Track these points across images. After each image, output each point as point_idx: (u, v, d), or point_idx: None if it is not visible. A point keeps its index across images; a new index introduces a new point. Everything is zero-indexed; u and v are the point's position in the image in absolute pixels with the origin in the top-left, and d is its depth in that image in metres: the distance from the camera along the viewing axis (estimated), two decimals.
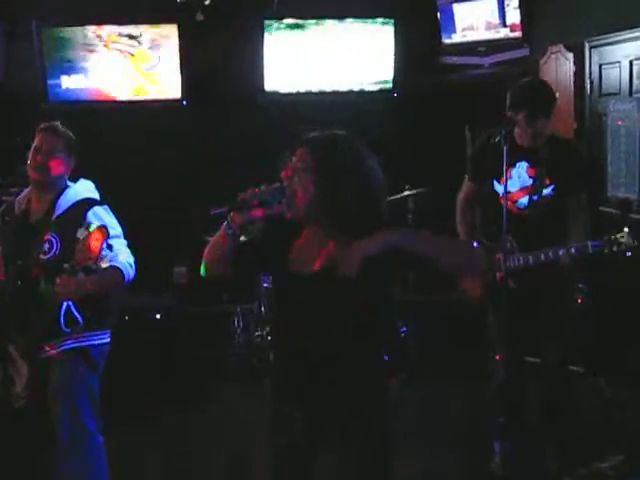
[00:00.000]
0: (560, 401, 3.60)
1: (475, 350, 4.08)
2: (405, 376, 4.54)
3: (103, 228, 2.69)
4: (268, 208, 2.12)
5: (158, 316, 5.01)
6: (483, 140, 3.63)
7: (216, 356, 5.06)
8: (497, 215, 3.37)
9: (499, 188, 3.48)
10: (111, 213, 3.07)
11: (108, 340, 3.08)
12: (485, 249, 3.56)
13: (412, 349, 4.94)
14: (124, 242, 3.05)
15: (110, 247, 2.81)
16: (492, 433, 3.65)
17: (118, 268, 2.91)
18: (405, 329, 5.00)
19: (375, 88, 5.94)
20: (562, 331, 3.55)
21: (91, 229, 2.69)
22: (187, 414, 4.32)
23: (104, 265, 2.88)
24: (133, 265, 2.97)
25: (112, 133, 5.71)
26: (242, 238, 2.23)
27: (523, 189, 3.48)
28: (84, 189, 3.13)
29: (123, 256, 2.96)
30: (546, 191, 3.46)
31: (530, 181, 3.47)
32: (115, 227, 3.03)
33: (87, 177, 3.20)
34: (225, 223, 2.18)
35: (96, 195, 3.15)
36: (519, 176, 3.48)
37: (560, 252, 3.28)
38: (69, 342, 2.95)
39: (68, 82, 5.63)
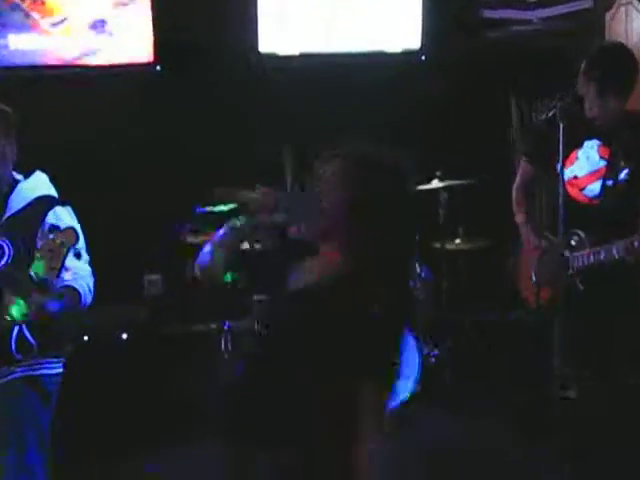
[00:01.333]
0: (632, 430, 3.63)
1: (525, 377, 4.07)
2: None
3: (71, 231, 2.70)
4: (284, 216, 2.20)
5: (125, 336, 5.00)
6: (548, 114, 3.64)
7: (197, 387, 5.04)
8: (565, 206, 3.40)
9: (565, 173, 3.52)
10: (74, 216, 3.07)
11: (62, 370, 3.12)
12: (551, 246, 3.57)
13: (446, 377, 4.94)
14: (86, 257, 3.06)
15: (79, 255, 2.83)
16: (544, 468, 3.65)
17: (76, 290, 2.95)
18: (436, 353, 5.01)
19: (398, 50, 5.92)
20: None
21: (56, 232, 2.71)
22: (157, 460, 4.29)
23: (68, 276, 2.92)
24: (92, 289, 3.03)
25: (68, 106, 5.67)
26: (246, 246, 2.31)
27: (593, 173, 3.54)
28: (40, 184, 3.13)
29: (83, 277, 3.00)
30: (621, 175, 3.46)
31: (602, 163, 3.52)
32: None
33: (34, 160, 3.15)
34: (226, 226, 2.25)
35: (53, 192, 3.14)
36: (587, 157, 3.54)
37: (636, 243, 3.30)
38: (19, 370, 2.99)
39: (16, 42, 5.62)
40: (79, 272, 2.98)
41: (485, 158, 5.54)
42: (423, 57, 5.91)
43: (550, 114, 3.43)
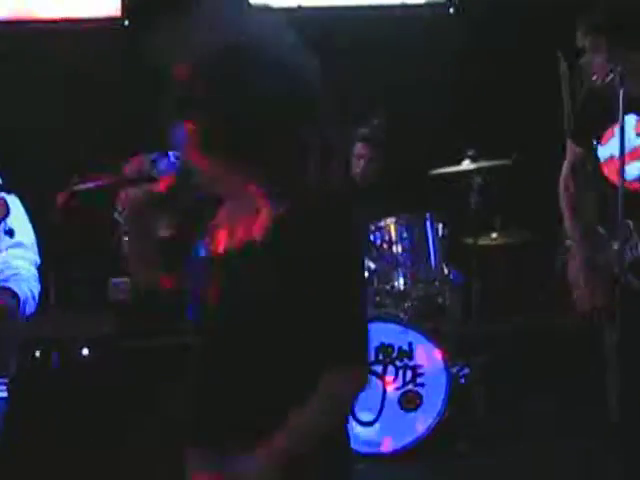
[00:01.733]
0: None
1: (573, 399, 4.03)
2: (464, 446, 4.54)
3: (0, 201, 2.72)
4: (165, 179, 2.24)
5: (85, 351, 4.99)
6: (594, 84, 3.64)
7: (174, 412, 5.02)
8: (603, 191, 3.57)
9: (601, 152, 3.64)
10: (22, 208, 3.09)
11: (6, 394, 3.10)
12: (602, 241, 3.69)
13: (479, 402, 4.92)
14: (34, 259, 3.11)
15: (10, 232, 2.89)
16: None
17: (16, 294, 2.97)
18: (467, 372, 4.98)
19: (422, 1, 5.90)
20: None
21: None
22: None
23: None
24: (36, 297, 3.07)
25: (20, 67, 5.70)
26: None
27: (630, 153, 3.53)
28: None
29: (26, 279, 3.02)
30: None
31: None
32: (26, 233, 3.08)
33: None
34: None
35: None
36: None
37: None
38: None
39: None
40: (21, 270, 3.00)
41: (527, 133, 5.50)
42: (451, 9, 5.91)
43: (608, 79, 3.41)
